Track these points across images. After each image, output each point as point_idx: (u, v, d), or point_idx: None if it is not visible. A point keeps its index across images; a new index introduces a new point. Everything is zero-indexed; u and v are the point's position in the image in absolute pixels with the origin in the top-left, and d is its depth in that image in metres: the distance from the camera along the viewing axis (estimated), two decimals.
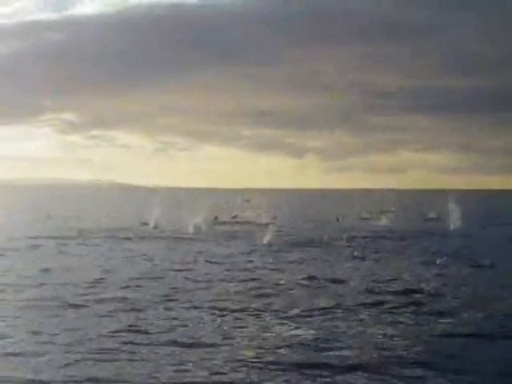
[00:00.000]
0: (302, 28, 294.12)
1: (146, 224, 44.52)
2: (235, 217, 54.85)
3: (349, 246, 31.05)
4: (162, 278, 20.94)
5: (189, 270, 22.89)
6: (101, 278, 20.55)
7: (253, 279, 20.60)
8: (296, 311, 15.40)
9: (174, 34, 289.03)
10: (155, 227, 42.47)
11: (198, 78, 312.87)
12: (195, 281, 20.34)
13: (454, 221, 43.32)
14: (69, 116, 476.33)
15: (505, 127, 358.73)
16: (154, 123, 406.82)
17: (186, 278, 20.78)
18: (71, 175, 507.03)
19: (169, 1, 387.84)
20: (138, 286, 19.06)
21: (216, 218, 51.32)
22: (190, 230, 39.34)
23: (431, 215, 57.13)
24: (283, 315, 15.02)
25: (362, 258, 26.45)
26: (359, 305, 16.20)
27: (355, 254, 27.78)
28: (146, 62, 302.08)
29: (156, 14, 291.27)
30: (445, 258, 25.29)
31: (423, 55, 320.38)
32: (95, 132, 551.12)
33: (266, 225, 38.75)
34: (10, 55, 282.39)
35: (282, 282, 20.06)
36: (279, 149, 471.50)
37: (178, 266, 23.77)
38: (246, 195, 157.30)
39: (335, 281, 20.18)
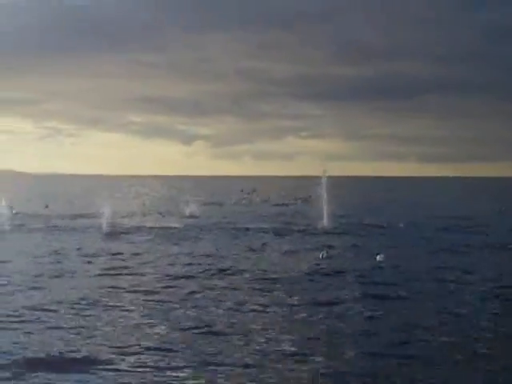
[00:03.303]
0: (192, 15, 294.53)
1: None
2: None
3: None
4: None
5: None
6: None
7: None
8: None
9: (59, 18, 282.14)
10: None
11: (85, 64, 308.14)
12: None
13: None
14: None
15: (390, 115, 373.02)
16: (39, 109, 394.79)
17: None
18: None
19: None
20: None
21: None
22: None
23: None
24: None
25: None
26: None
27: None
28: (29, 47, 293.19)
29: None
30: None
31: (312, 44, 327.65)
32: None
33: None
34: None
35: None
36: (169, 135, 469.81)
37: None
38: (133, 182, 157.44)
39: None
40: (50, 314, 14.71)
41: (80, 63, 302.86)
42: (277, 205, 62.96)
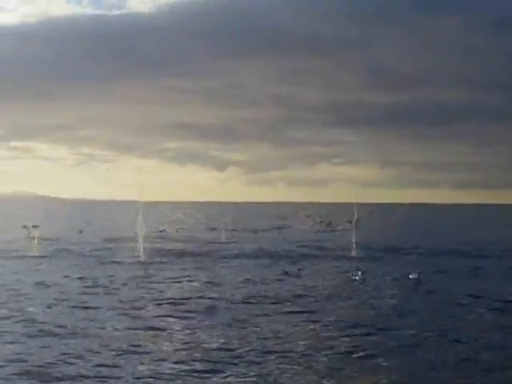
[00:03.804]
0: (225, 41, 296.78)
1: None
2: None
3: None
4: None
5: None
6: None
7: None
8: None
9: (95, 45, 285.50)
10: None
11: (120, 90, 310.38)
12: None
13: None
14: None
15: (425, 142, 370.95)
16: (75, 135, 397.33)
17: None
18: None
19: (90, 12, 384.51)
20: None
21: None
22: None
23: None
24: None
25: None
26: None
27: None
28: (66, 74, 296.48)
29: (77, 25, 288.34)
30: None
31: (346, 70, 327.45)
32: (15, 143, 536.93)
33: None
34: None
35: None
36: (203, 161, 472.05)
37: None
38: (167, 208, 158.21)
39: None
40: None
41: (115, 89, 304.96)
42: (310, 231, 62.63)
